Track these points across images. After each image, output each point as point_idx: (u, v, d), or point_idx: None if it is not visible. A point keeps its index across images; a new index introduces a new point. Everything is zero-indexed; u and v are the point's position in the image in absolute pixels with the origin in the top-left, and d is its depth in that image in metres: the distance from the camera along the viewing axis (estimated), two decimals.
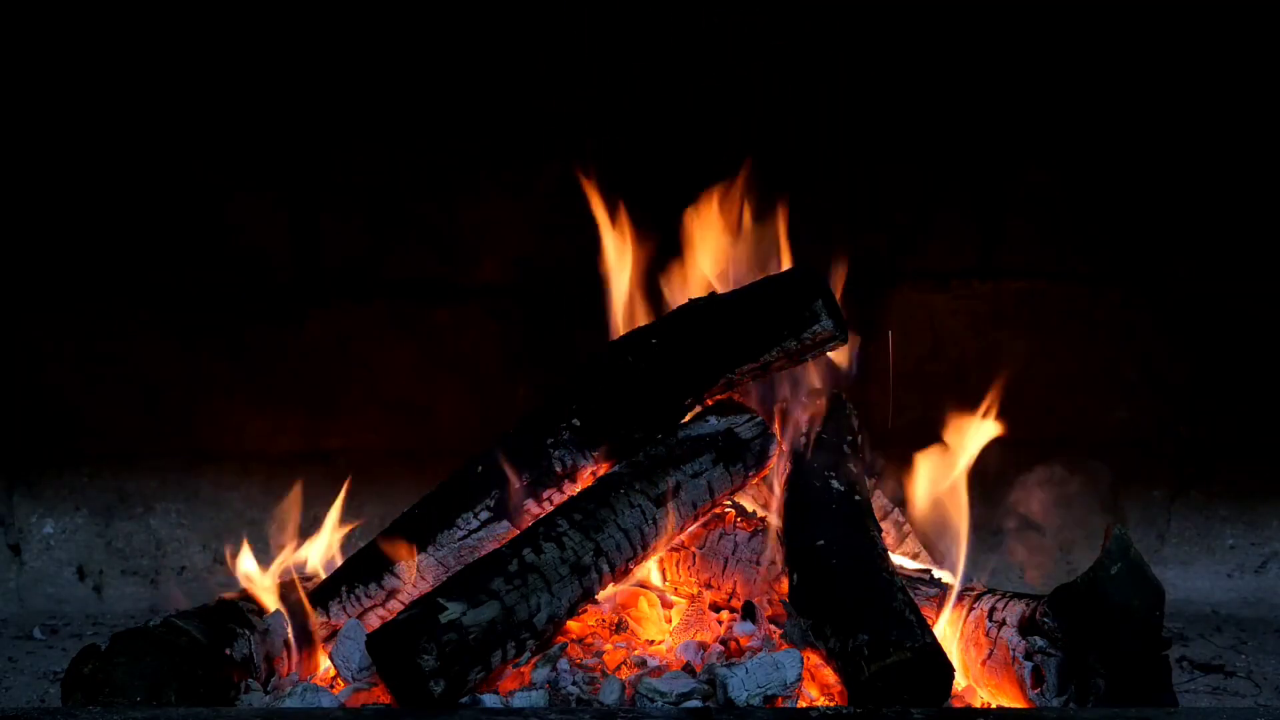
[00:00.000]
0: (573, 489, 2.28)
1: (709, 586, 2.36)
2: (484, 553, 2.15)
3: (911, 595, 2.03)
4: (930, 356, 3.12)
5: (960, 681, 2.08)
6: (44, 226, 3.06)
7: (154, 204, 3.06)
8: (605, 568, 2.10)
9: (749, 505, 2.44)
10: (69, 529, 3.13)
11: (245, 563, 2.30)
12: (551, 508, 2.23)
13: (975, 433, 2.45)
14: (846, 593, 2.01)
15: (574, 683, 2.03)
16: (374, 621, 2.20)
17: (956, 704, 2.03)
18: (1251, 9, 2.97)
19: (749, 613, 2.27)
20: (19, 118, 3.01)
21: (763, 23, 3.00)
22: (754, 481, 2.36)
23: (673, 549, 2.34)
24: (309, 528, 2.53)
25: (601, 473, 2.27)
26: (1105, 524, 1.95)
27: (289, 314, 3.11)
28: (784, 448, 2.41)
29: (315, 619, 2.23)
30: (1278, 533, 3.18)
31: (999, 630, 2.04)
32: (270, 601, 2.21)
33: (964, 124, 3.07)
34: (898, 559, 2.38)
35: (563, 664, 2.06)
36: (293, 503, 2.44)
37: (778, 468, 2.40)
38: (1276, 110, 3.04)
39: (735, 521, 2.35)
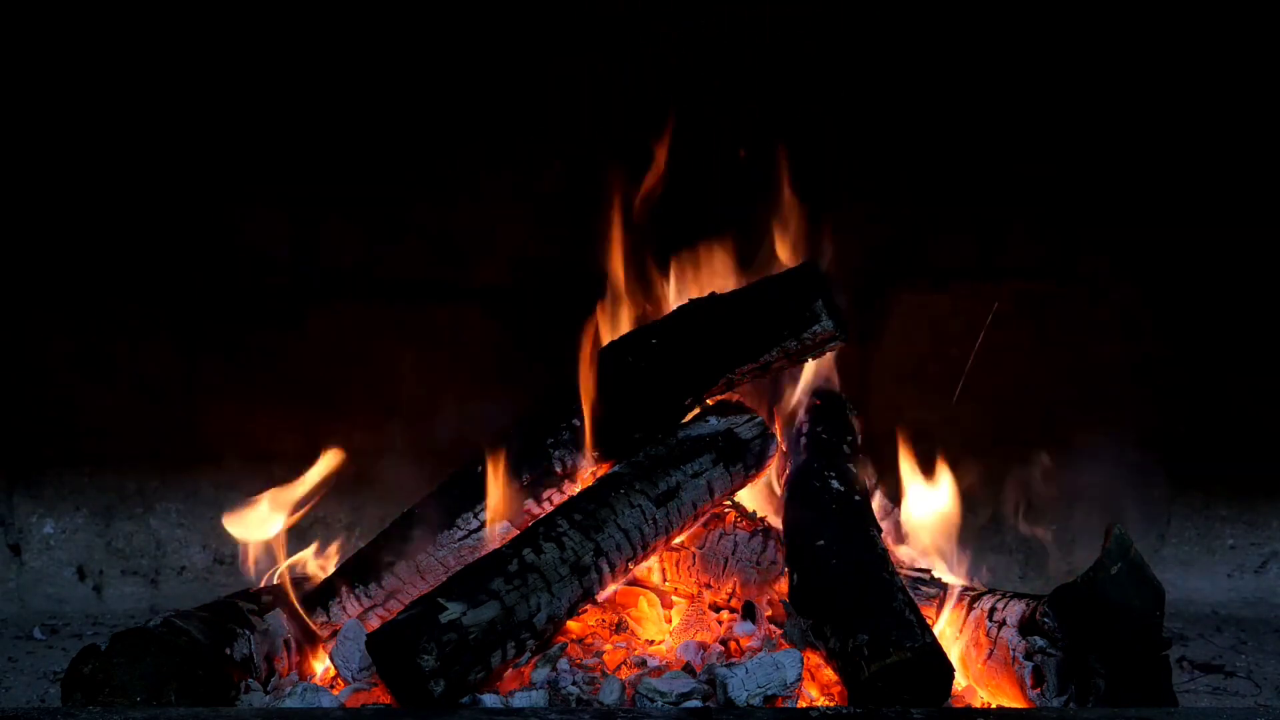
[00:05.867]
0: (573, 489, 2.28)
1: (709, 586, 2.36)
2: (484, 553, 2.15)
3: (911, 595, 2.03)
4: (930, 356, 3.12)
5: (960, 681, 2.08)
6: (46, 228, 3.06)
7: (154, 205, 3.06)
8: (605, 568, 2.10)
9: (749, 505, 2.44)
10: (69, 529, 3.13)
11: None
12: (551, 508, 2.24)
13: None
14: (846, 593, 2.01)
15: (574, 683, 2.03)
16: (374, 621, 2.20)
17: (956, 704, 2.03)
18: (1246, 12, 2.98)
19: (749, 613, 2.27)
20: (23, 121, 3.01)
21: (765, 23, 3.01)
22: (754, 481, 2.36)
23: (673, 549, 2.34)
24: (309, 528, 2.53)
25: (601, 473, 2.27)
26: (1105, 524, 1.95)
27: (289, 314, 3.11)
28: (784, 448, 2.41)
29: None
30: (1278, 533, 3.18)
31: (999, 630, 2.04)
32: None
33: (964, 124, 3.07)
34: (898, 555, 2.39)
35: (563, 664, 2.06)
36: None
37: (778, 468, 2.40)
38: (1271, 120, 3.04)
39: (735, 521, 2.35)
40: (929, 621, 2.01)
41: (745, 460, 2.29)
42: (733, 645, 2.18)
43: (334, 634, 2.22)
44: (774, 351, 2.25)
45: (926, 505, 2.42)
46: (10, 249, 3.06)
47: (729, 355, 2.27)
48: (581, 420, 2.29)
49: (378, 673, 1.98)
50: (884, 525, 2.33)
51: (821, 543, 2.11)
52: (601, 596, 2.19)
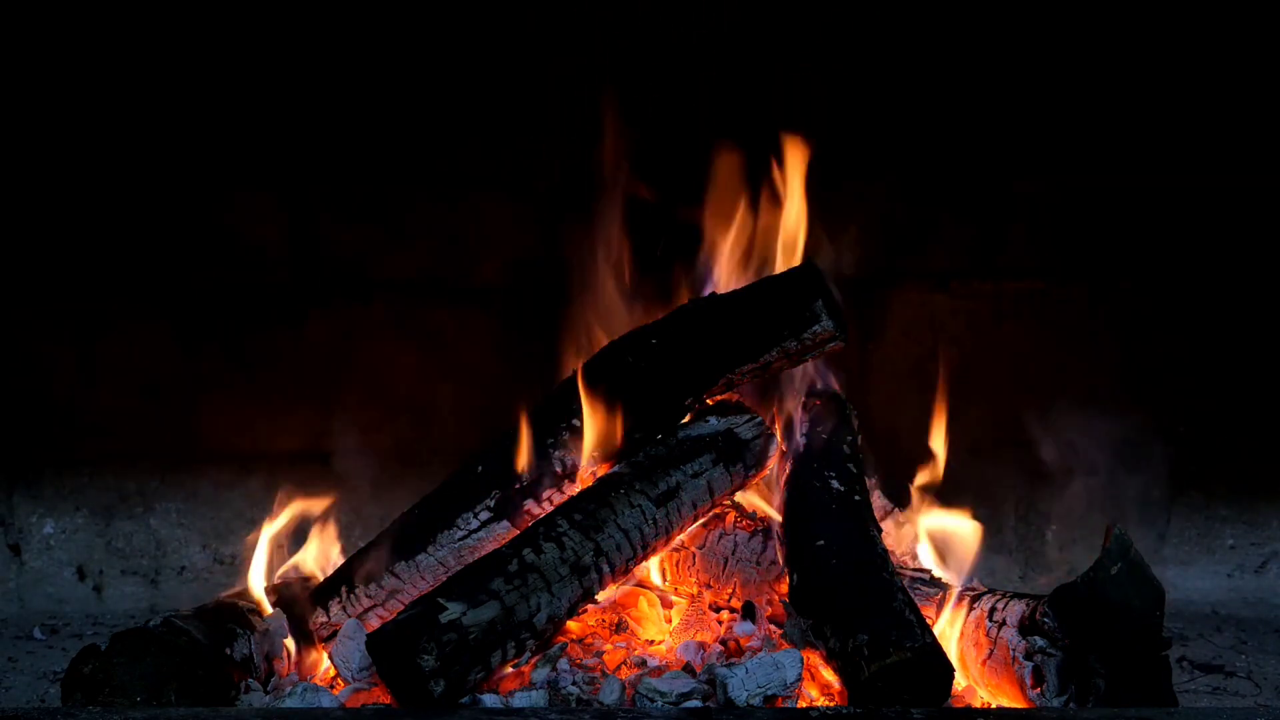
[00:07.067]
0: (573, 489, 2.28)
1: (709, 586, 2.36)
2: (484, 553, 2.15)
3: (911, 595, 2.03)
4: (930, 356, 3.12)
5: (960, 681, 2.08)
6: (45, 227, 3.06)
7: (154, 205, 3.06)
8: (605, 568, 2.10)
9: (749, 505, 2.44)
10: (69, 529, 3.13)
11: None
12: (551, 508, 2.23)
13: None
14: (846, 592, 2.01)
15: (574, 683, 2.03)
16: (374, 621, 2.20)
17: (956, 704, 2.03)
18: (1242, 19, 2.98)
19: (749, 613, 2.27)
20: (21, 119, 3.01)
21: (767, 23, 3.01)
22: (754, 481, 2.36)
23: (673, 549, 2.34)
24: (310, 529, 2.53)
25: (601, 473, 2.27)
26: (1105, 524, 1.95)
27: (289, 314, 3.11)
28: (784, 448, 2.41)
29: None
30: (1278, 533, 3.18)
31: (999, 630, 2.04)
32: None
33: (964, 125, 3.07)
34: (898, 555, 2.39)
35: (563, 664, 2.06)
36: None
37: (778, 468, 2.40)
38: (1271, 123, 3.05)
39: (735, 521, 2.35)
40: (929, 621, 2.01)
41: (745, 460, 2.28)
42: (733, 645, 2.18)
43: (334, 634, 2.22)
44: (774, 351, 2.25)
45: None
46: (10, 248, 3.06)
47: (729, 355, 2.27)
48: (581, 420, 2.29)
49: (378, 673, 1.98)
50: (884, 525, 2.34)
51: (821, 543, 2.11)
52: (602, 597, 2.19)
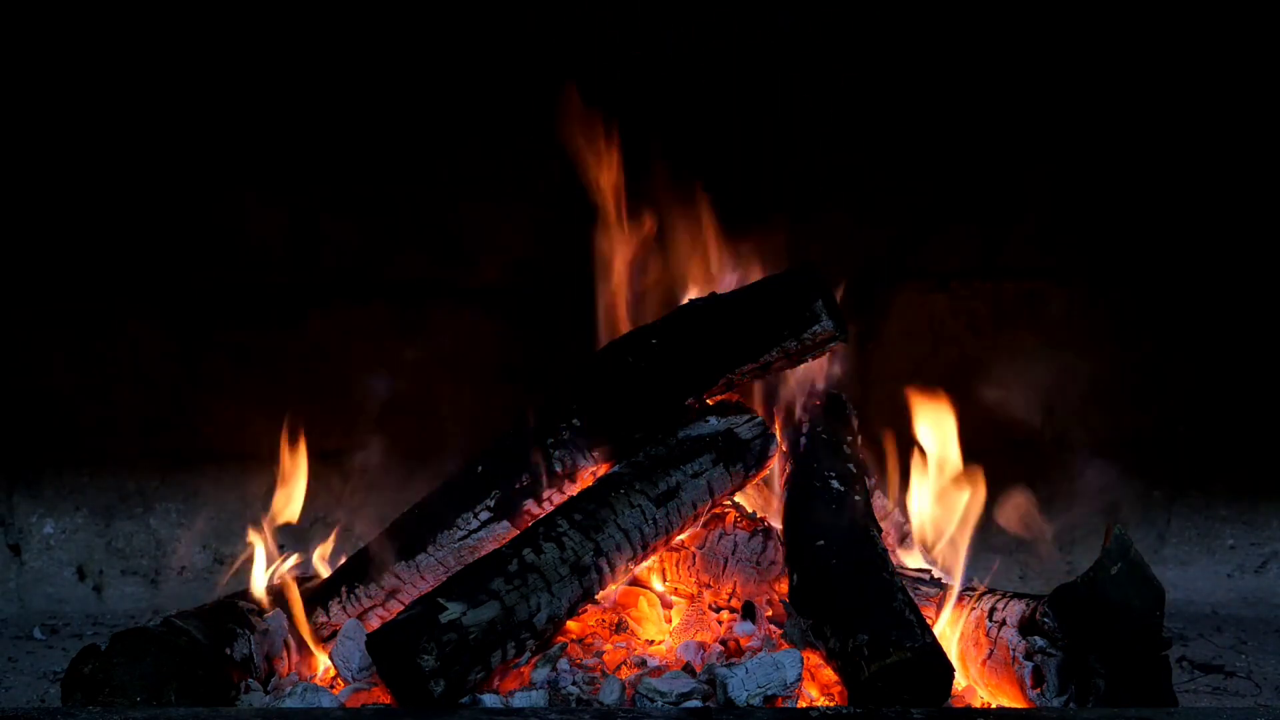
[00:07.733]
0: (573, 489, 2.28)
1: (709, 586, 2.35)
2: (484, 553, 2.15)
3: (911, 595, 2.03)
4: (930, 356, 3.12)
5: (960, 681, 2.08)
6: (45, 227, 3.06)
7: (154, 205, 3.06)
8: (605, 568, 2.10)
9: (749, 505, 2.44)
10: (69, 529, 3.13)
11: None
12: (551, 508, 2.23)
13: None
14: (846, 592, 2.01)
15: (574, 683, 2.03)
16: (374, 621, 2.20)
17: (956, 704, 2.03)
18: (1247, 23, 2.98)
19: (749, 613, 2.27)
20: (21, 118, 3.01)
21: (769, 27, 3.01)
22: (754, 481, 2.36)
23: (673, 549, 2.34)
24: (309, 528, 2.53)
25: (601, 473, 2.27)
26: (1105, 524, 1.95)
27: (289, 314, 3.11)
28: (784, 448, 2.41)
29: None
30: (1278, 533, 3.18)
31: (999, 630, 2.04)
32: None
33: (966, 126, 3.07)
34: (898, 557, 2.39)
35: (563, 664, 2.06)
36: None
37: (778, 468, 2.40)
38: (1269, 122, 3.04)
39: (735, 521, 2.35)
40: (929, 621, 2.01)
41: (745, 460, 2.28)
42: (732, 645, 2.18)
43: (334, 634, 2.22)
44: (774, 351, 2.24)
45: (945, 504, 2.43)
46: (11, 248, 3.06)
47: (729, 355, 2.26)
48: (581, 420, 2.29)
49: (378, 673, 1.98)
50: (884, 525, 2.34)
51: (821, 543, 2.11)
52: (602, 597, 2.19)
